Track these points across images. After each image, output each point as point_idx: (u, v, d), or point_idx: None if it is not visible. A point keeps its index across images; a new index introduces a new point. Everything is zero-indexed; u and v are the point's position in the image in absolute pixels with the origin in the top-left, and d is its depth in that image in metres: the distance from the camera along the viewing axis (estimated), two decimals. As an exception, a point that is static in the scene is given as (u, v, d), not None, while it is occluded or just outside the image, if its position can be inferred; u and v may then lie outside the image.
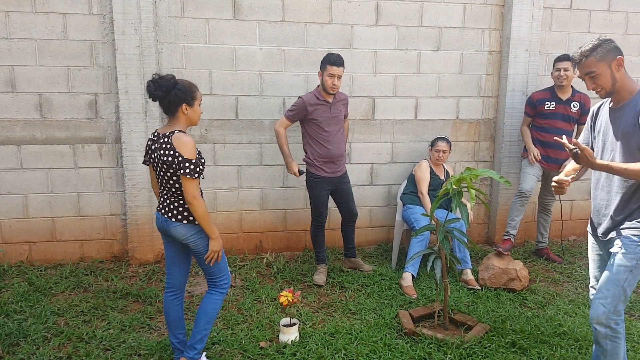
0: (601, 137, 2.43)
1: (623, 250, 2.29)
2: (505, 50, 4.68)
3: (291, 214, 4.63)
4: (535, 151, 4.37)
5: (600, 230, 2.46)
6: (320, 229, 4.04)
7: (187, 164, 2.40)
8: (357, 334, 3.19)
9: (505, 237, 4.38)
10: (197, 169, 2.43)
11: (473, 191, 2.96)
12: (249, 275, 4.09)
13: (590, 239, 2.60)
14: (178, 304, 2.77)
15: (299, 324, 3.25)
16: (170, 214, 2.53)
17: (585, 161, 2.26)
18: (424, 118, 4.73)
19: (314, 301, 3.71)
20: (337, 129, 3.89)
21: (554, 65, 4.27)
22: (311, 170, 3.91)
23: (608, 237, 2.41)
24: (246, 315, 3.41)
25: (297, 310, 3.48)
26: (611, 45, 2.26)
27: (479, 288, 3.90)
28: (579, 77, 2.36)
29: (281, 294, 3.09)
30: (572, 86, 4.32)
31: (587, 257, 4.59)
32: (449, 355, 2.92)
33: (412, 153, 4.75)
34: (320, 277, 4.01)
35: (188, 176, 2.41)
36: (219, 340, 3.11)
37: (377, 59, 4.53)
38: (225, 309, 3.54)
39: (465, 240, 3.49)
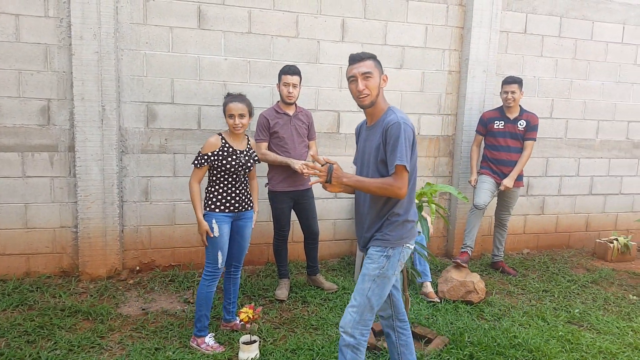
0: (360, 156, 2.52)
1: (369, 260, 2.36)
2: (464, 70, 4.86)
3: (254, 227, 4.55)
4: (473, 177, 4.66)
5: (361, 244, 2.53)
6: (283, 242, 3.99)
7: (196, 154, 3.13)
8: (319, 349, 3.15)
9: (463, 250, 4.50)
10: (197, 160, 3.07)
11: (433, 206, 3.03)
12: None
13: (358, 250, 2.66)
14: (226, 278, 3.40)
15: (260, 341, 3.18)
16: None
17: (336, 178, 2.27)
18: (387, 133, 4.81)
19: (275, 317, 3.64)
20: (298, 142, 3.88)
21: (502, 86, 4.49)
22: (270, 186, 3.89)
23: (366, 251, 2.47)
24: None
25: (257, 327, 3.40)
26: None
27: (438, 301, 3.97)
28: (348, 77, 2.37)
29: (241, 310, 3.02)
30: (520, 105, 4.53)
31: (540, 269, 4.83)
32: (411, 369, 2.94)
33: (375, 167, 4.81)
34: (282, 291, 3.95)
35: (192, 163, 3.11)
36: None
37: (343, 74, 4.58)
38: (181, 326, 3.41)
39: (426, 253, 3.54)
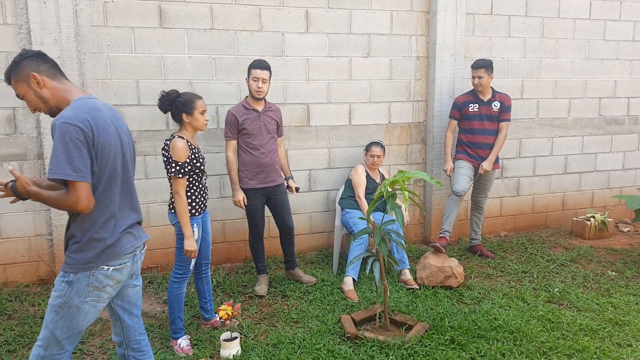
0: None
1: (54, 288, 2.02)
2: (432, 55, 4.84)
3: (230, 225, 4.55)
4: (449, 166, 4.61)
5: None
6: (259, 239, 3.98)
7: (173, 164, 2.93)
8: (300, 342, 3.16)
9: (441, 235, 4.52)
10: (182, 170, 2.95)
11: (406, 193, 3.02)
12: (187, 290, 3.96)
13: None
14: (197, 278, 3.39)
15: (241, 338, 3.19)
16: (170, 205, 3.13)
17: (24, 194, 1.94)
18: (358, 123, 4.81)
19: (255, 312, 3.65)
20: (267, 138, 3.84)
21: (471, 71, 4.49)
22: (241, 184, 3.86)
23: None
24: (185, 332, 3.30)
25: (238, 323, 3.41)
26: (30, 62, 1.96)
27: (417, 287, 3.99)
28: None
29: (220, 308, 3.03)
30: (491, 87, 4.54)
31: (519, 250, 4.86)
32: (391, 357, 2.96)
33: (349, 158, 4.81)
34: (261, 287, 3.95)
35: (172, 175, 2.95)
36: (156, 361, 2.99)
37: (310, 65, 4.55)
38: (162, 327, 3.41)
39: (402, 241, 3.55)
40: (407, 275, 4.08)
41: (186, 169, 2.95)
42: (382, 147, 4.35)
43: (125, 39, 4.05)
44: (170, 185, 3.03)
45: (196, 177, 3.07)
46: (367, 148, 4.38)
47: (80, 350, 3.14)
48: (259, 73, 3.68)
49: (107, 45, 4.02)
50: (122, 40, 4.04)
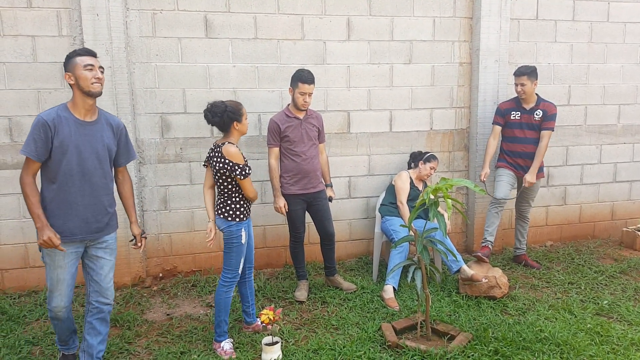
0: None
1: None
2: (475, 61, 4.78)
3: (270, 230, 4.60)
4: (483, 172, 4.49)
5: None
6: (299, 244, 4.02)
7: (237, 168, 3.01)
8: (341, 349, 3.16)
9: (483, 244, 4.43)
10: (247, 171, 3.06)
11: (449, 201, 2.98)
12: (229, 295, 4.03)
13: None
14: (241, 282, 3.43)
15: (282, 342, 3.21)
16: (218, 211, 3.17)
17: None
18: (399, 130, 4.79)
19: (296, 318, 3.67)
20: (309, 145, 3.88)
21: (514, 79, 4.39)
22: (283, 189, 3.90)
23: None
24: (228, 335, 3.35)
25: (279, 328, 3.44)
26: None
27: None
28: None
29: (262, 312, 3.06)
30: (537, 94, 4.43)
31: (565, 261, 4.71)
32: (433, 366, 2.92)
33: (389, 165, 4.79)
34: (301, 293, 3.98)
35: (241, 177, 3.04)
36: (200, 363, 3.06)
37: (351, 73, 4.58)
38: (205, 330, 3.48)
39: (445, 250, 3.45)
40: (467, 271, 3.89)
41: (247, 170, 3.04)
42: None
43: (173, 49, 4.18)
44: (220, 191, 3.13)
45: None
46: (428, 159, 4.30)
47: (127, 350, 3.24)
48: (307, 88, 3.72)
49: (156, 55, 4.16)
50: (169, 50, 4.18)
